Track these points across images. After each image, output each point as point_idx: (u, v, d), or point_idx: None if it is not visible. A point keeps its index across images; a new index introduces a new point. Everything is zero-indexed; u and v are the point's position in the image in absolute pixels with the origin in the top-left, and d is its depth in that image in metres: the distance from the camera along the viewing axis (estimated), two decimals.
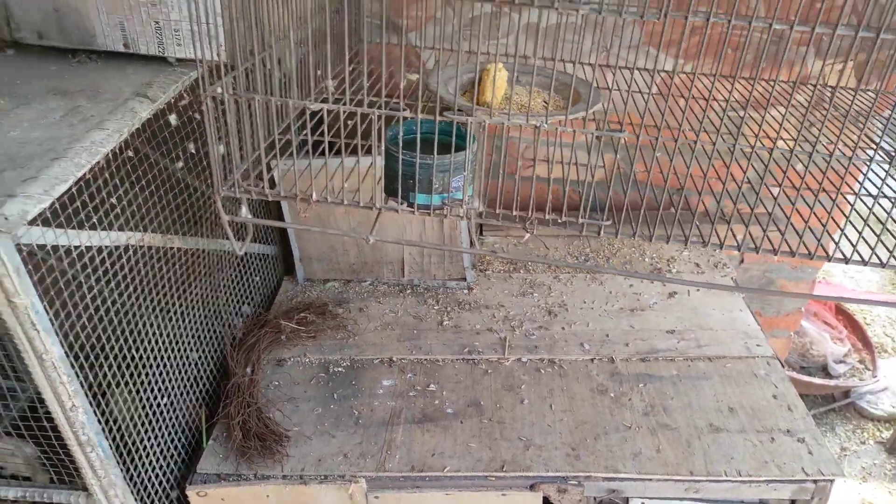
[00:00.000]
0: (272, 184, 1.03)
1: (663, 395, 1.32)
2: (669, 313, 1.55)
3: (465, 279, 1.66)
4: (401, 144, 0.88)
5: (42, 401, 0.94)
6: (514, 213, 0.89)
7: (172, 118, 1.11)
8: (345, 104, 0.87)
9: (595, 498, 1.19)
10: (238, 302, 1.54)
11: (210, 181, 1.31)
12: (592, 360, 1.43)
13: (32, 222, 0.80)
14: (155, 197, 1.11)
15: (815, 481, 1.14)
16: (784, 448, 1.20)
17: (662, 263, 1.72)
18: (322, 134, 0.95)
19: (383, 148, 0.94)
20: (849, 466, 2.50)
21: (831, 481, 1.14)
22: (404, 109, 0.84)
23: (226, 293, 1.47)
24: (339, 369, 1.43)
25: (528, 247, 1.80)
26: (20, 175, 0.84)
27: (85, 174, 0.88)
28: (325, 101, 0.93)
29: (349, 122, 1.11)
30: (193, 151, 1.20)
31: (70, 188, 0.85)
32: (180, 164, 1.17)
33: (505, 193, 1.50)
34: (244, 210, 1.04)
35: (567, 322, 1.53)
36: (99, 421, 0.99)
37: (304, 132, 1.01)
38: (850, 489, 2.41)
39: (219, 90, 0.88)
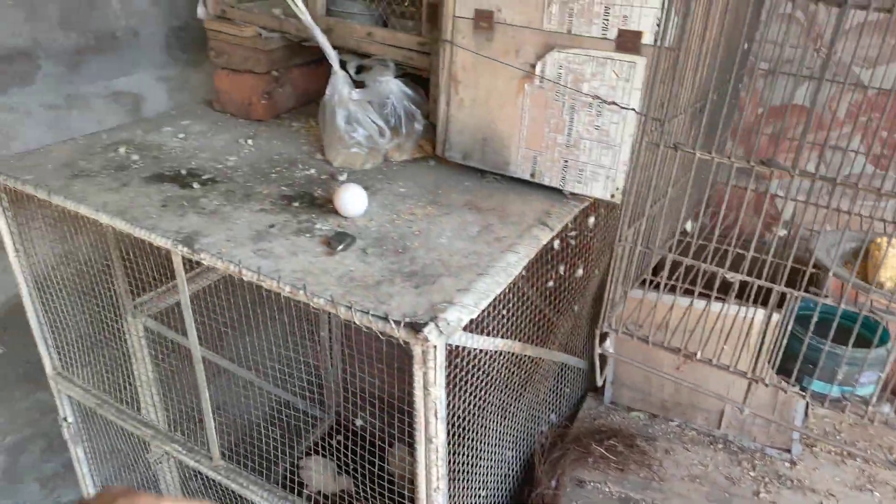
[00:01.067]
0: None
1: None
2: None
3: (789, 450, 1.51)
4: (811, 328, 0.86)
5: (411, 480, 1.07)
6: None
7: (556, 243, 1.23)
8: (757, 276, 0.88)
9: None
10: (548, 410, 1.61)
11: (562, 301, 1.41)
12: None
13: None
14: (528, 311, 1.22)
15: None
16: None
17: None
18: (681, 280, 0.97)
19: (783, 326, 0.93)
20: None
21: None
22: (825, 297, 0.82)
23: (544, 401, 1.55)
24: None
25: (867, 429, 1.59)
26: (455, 284, 0.99)
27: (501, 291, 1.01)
28: (702, 250, 0.95)
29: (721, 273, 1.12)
30: (562, 272, 1.31)
31: (490, 303, 0.98)
32: (550, 283, 1.28)
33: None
34: (609, 345, 1.09)
35: None
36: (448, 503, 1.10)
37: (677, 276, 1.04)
38: None
39: (629, 238, 0.96)
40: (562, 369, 1.61)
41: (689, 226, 1.41)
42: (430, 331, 0.89)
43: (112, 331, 1.65)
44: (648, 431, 1.61)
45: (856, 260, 1.13)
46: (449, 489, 1.11)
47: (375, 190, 1.32)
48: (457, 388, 1.04)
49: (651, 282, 1.07)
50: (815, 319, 0.84)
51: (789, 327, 0.85)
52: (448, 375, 1.00)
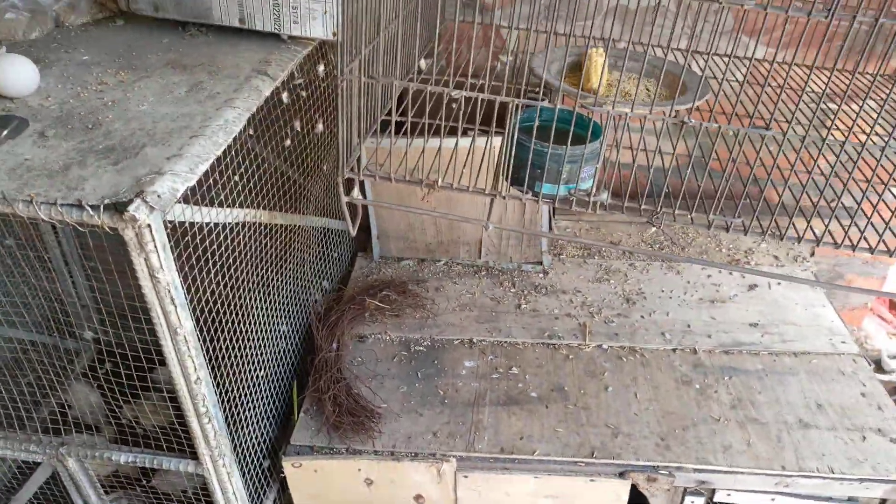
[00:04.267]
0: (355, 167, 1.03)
1: (750, 388, 1.32)
2: (751, 306, 1.54)
3: (540, 262, 1.66)
4: (534, 133, 0.87)
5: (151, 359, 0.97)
6: (641, 205, 0.89)
7: (284, 96, 1.12)
8: (460, 87, 0.87)
9: (684, 488, 1.20)
10: (319, 277, 1.56)
11: (308, 160, 1.32)
12: (674, 350, 1.43)
13: (178, 200, 0.82)
14: (267, 174, 1.12)
15: None
16: (877, 447, 1.20)
17: (740, 255, 1.70)
18: (413, 115, 0.95)
19: (508, 136, 0.94)
20: None
21: None
22: (543, 99, 0.83)
23: (310, 268, 1.49)
24: (421, 348, 1.44)
25: (601, 232, 1.79)
26: (163, 152, 0.85)
27: (220, 153, 0.88)
28: (437, 83, 0.93)
29: (452, 105, 1.11)
30: (298, 129, 1.21)
31: (209, 167, 0.86)
32: (287, 142, 1.18)
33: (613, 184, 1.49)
34: (356, 192, 1.05)
35: (646, 311, 1.53)
36: (215, 392, 1.02)
37: (416, 116, 1.01)
38: None
39: (352, 73, 0.88)
40: (325, 234, 1.56)
41: (423, 64, 1.37)
42: (136, 208, 0.76)
43: None
44: (419, 276, 1.65)
45: (572, 73, 1.19)
46: (216, 376, 1.03)
47: (50, 62, 1.08)
48: (198, 270, 0.93)
49: (396, 125, 1.02)
50: (536, 125, 0.86)
51: (514, 137, 0.86)
52: (181, 257, 0.88)
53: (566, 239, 1.69)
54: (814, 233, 0.98)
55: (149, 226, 0.78)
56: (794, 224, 0.96)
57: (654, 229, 1.77)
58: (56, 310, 1.49)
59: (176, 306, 0.86)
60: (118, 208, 0.76)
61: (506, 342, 1.45)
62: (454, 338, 1.47)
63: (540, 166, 0.89)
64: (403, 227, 1.66)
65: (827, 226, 0.97)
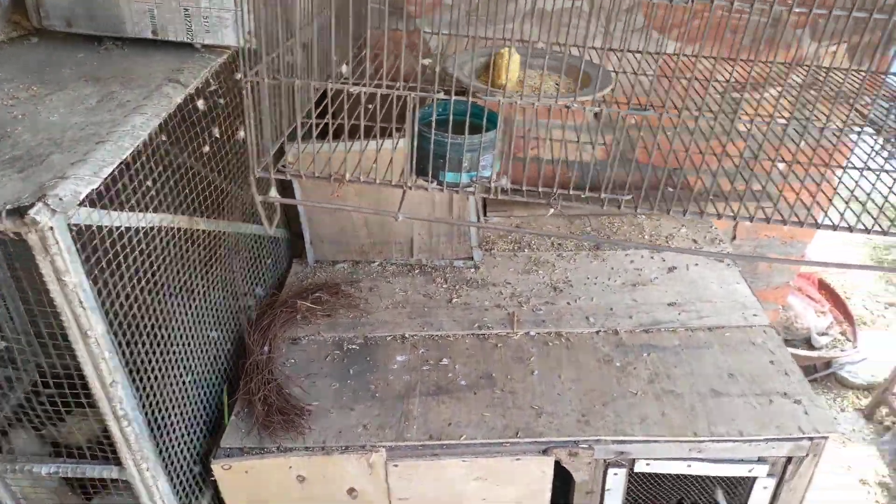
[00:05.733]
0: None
1: (667, 363, 1.39)
2: (670, 287, 1.62)
3: (472, 258, 1.71)
4: (433, 125, 0.92)
5: (81, 377, 0.98)
6: (539, 189, 0.94)
7: (200, 103, 1.14)
8: (379, 86, 0.92)
9: (604, 460, 1.26)
10: (252, 283, 1.58)
11: (231, 166, 1.34)
12: (598, 332, 1.49)
13: (82, 203, 0.84)
14: (184, 180, 1.14)
15: (810, 438, 1.22)
16: (782, 409, 1.28)
17: (661, 240, 1.79)
18: (340, 118, 0.99)
19: (411, 129, 0.99)
20: None
21: (825, 438, 1.22)
22: (438, 92, 0.88)
23: (241, 275, 1.51)
24: (354, 346, 1.48)
25: (531, 225, 1.86)
26: (68, 158, 0.87)
27: (127, 157, 0.91)
28: (357, 84, 0.97)
29: (369, 106, 1.15)
30: (217, 136, 1.24)
31: (114, 171, 0.88)
32: (206, 148, 1.21)
33: (514, 174, 1.55)
34: (273, 191, 1.08)
35: (572, 297, 1.60)
36: (135, 396, 1.03)
37: (338, 116, 1.05)
38: (830, 454, 2.52)
39: (258, 75, 0.92)
40: (256, 241, 1.58)
41: (344, 69, 1.41)
42: (38, 211, 0.78)
43: None
44: (353, 277, 1.68)
45: (487, 72, 1.24)
46: (135, 380, 1.05)
47: None
48: (109, 274, 0.95)
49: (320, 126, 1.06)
50: (434, 117, 0.91)
51: (416, 129, 0.91)
52: (90, 261, 0.90)
53: (476, 226, 1.75)
54: (731, 209, 1.04)
55: (51, 228, 0.80)
56: (713, 204, 1.03)
57: (579, 220, 1.85)
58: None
59: (85, 309, 0.88)
60: (20, 212, 0.78)
61: (437, 335, 1.50)
62: (387, 334, 1.50)
63: (442, 156, 0.94)
64: (336, 231, 1.69)
65: (741, 204, 1.03)
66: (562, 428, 1.26)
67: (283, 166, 1.02)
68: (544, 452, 1.23)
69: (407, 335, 1.50)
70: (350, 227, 1.68)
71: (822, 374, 2.80)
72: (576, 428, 1.25)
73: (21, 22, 1.24)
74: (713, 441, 1.22)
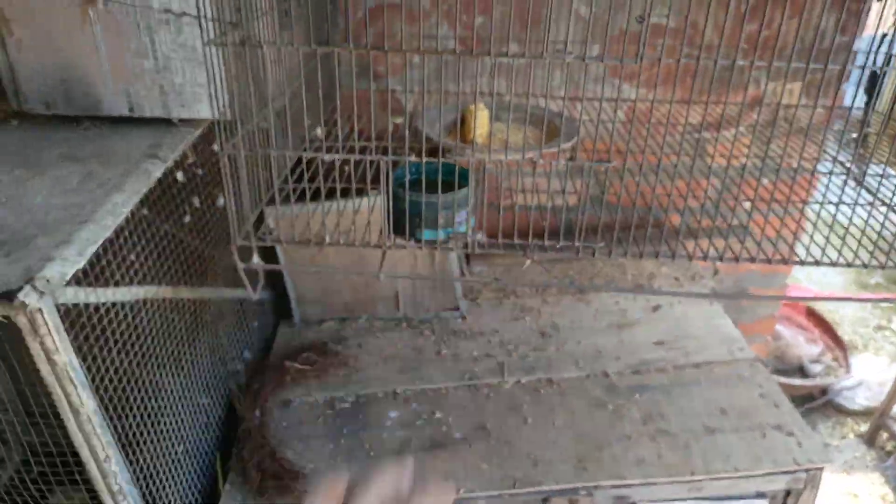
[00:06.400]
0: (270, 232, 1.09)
1: (658, 403, 1.40)
2: (655, 326, 1.63)
3: (458, 308, 1.72)
4: (407, 186, 0.95)
5: (74, 454, 0.97)
6: (515, 241, 0.97)
7: (179, 175, 1.17)
8: (352, 152, 0.95)
9: None
10: (239, 348, 1.58)
11: (212, 234, 1.36)
12: (588, 376, 1.50)
13: (68, 283, 0.85)
14: (167, 251, 1.16)
15: (806, 470, 1.22)
16: (775, 442, 1.28)
17: (643, 280, 1.81)
18: (316, 181, 1.02)
19: (387, 189, 1.02)
20: (832, 461, 2.60)
21: (821, 469, 1.23)
22: (409, 154, 0.91)
23: (228, 340, 1.51)
24: (345, 405, 1.47)
25: (514, 273, 1.88)
26: (52, 240, 0.88)
27: (110, 235, 0.93)
28: (329, 150, 1.00)
29: (345, 168, 1.19)
30: (198, 206, 1.26)
31: (97, 249, 0.90)
32: (187, 218, 1.23)
33: (490, 224, 1.58)
34: (255, 257, 1.10)
35: (560, 342, 1.61)
36: (128, 470, 1.02)
37: (312, 181, 1.08)
38: (835, 482, 2.50)
39: (234, 148, 0.95)
40: (241, 305, 1.59)
41: (318, 132, 1.45)
42: (26, 294, 0.79)
43: None
44: (340, 334, 1.69)
45: (457, 128, 1.29)
46: (128, 454, 1.04)
47: None
48: (97, 349, 0.95)
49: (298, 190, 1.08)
50: (407, 178, 0.94)
51: (391, 191, 0.94)
52: (78, 338, 0.91)
53: (458, 280, 1.77)
54: (715, 249, 1.07)
55: (40, 310, 0.81)
56: (697, 244, 1.06)
57: (562, 264, 1.87)
58: None
59: (76, 386, 0.88)
60: (9, 296, 0.79)
61: (429, 389, 1.50)
62: (377, 391, 1.50)
63: (417, 215, 0.96)
64: (320, 290, 1.70)
65: (725, 244, 1.06)
66: (559, 476, 1.25)
67: (264, 234, 1.04)
68: (544, 502, 1.22)
69: (398, 390, 1.50)
70: (334, 286, 1.69)
71: (819, 402, 2.81)
72: (573, 475, 1.25)
73: (0, 106, 1.27)
74: (711, 479, 1.22)
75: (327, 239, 0.98)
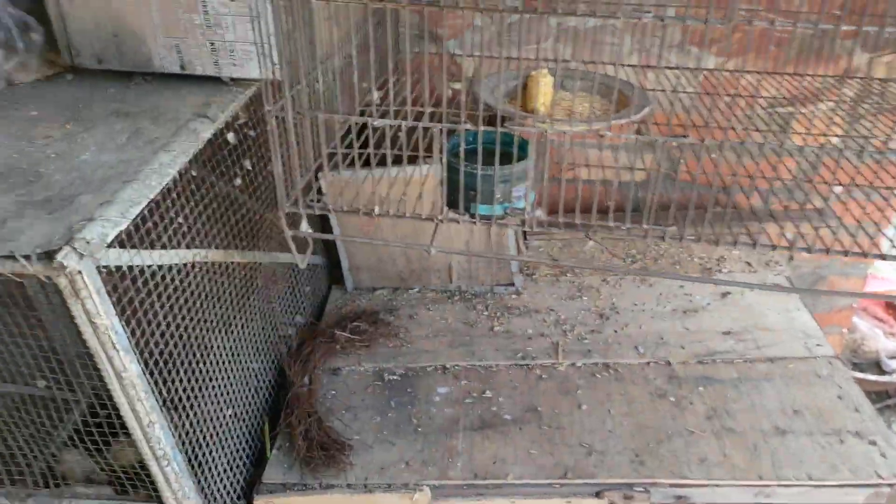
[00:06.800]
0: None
1: (725, 397, 1.30)
2: (724, 314, 1.52)
3: (513, 284, 1.65)
4: (462, 156, 0.88)
5: (119, 416, 0.97)
6: (577, 220, 0.89)
7: (230, 136, 1.13)
8: (405, 119, 0.88)
9: None
10: (291, 312, 1.56)
11: (264, 197, 1.33)
12: (648, 363, 1.41)
13: (110, 245, 0.82)
14: (217, 214, 1.13)
15: (890, 485, 1.11)
16: (854, 450, 1.17)
17: (712, 263, 1.69)
18: (369, 148, 0.96)
19: (440, 160, 0.95)
20: None
21: None
22: (465, 122, 0.84)
23: (280, 304, 1.49)
24: (394, 377, 1.44)
25: (574, 249, 1.79)
26: (96, 199, 0.86)
27: (155, 196, 0.90)
28: (384, 114, 0.94)
29: (399, 134, 1.12)
30: (249, 168, 1.22)
31: (143, 210, 0.87)
32: (238, 181, 1.19)
33: (551, 199, 1.50)
34: (304, 224, 1.05)
35: (619, 325, 1.52)
36: (173, 435, 1.01)
37: (362, 147, 1.02)
38: None
39: (282, 109, 0.90)
40: (294, 269, 1.56)
41: (375, 95, 1.39)
42: (65, 255, 0.76)
43: None
44: (392, 304, 1.65)
45: (517, 94, 1.20)
46: (173, 418, 1.03)
47: None
48: (142, 313, 0.93)
49: (344, 156, 1.03)
50: (462, 147, 0.87)
51: (444, 160, 0.87)
52: (123, 301, 0.89)
53: (514, 258, 1.69)
54: (786, 239, 0.97)
55: (80, 272, 0.78)
56: (765, 231, 0.96)
57: (624, 242, 1.77)
58: (51, 361, 1.48)
59: (118, 350, 0.87)
60: (48, 256, 0.77)
61: (479, 366, 1.44)
62: (427, 364, 1.46)
63: (473, 188, 0.89)
64: (374, 259, 1.66)
65: (797, 231, 0.96)
66: (614, 468, 1.18)
67: (313, 201, 0.99)
68: (597, 495, 1.16)
69: (448, 365, 1.45)
70: (388, 256, 1.65)
71: (895, 400, 2.62)
72: (629, 469, 1.18)
73: (56, 60, 1.26)
74: (780, 486, 1.13)
75: (376, 210, 0.93)
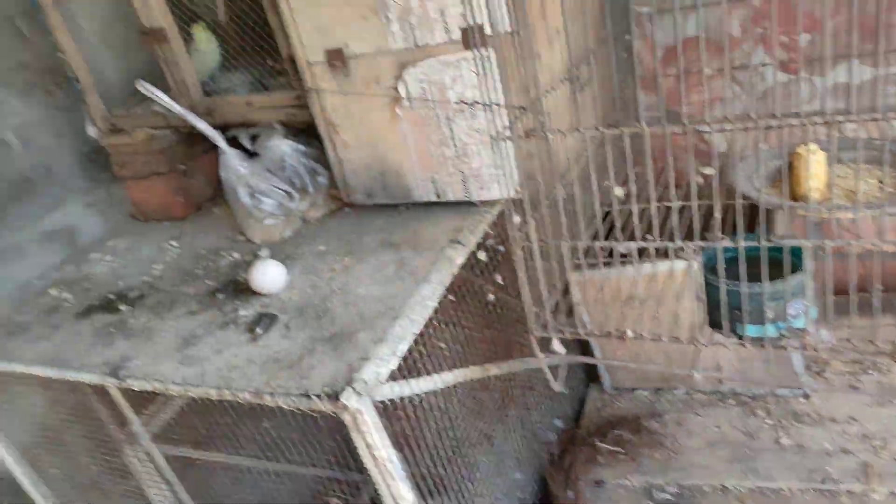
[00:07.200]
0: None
1: None
2: None
3: (799, 386, 1.43)
4: (722, 272, 0.80)
5: None
6: (879, 344, 0.74)
7: (481, 255, 1.18)
8: (653, 240, 0.83)
9: None
10: (550, 417, 1.54)
11: (516, 307, 1.35)
12: None
13: (384, 382, 0.90)
14: (473, 332, 1.17)
15: None
16: None
17: None
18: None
19: (695, 281, 0.87)
20: None
21: None
22: (722, 239, 0.76)
23: (538, 410, 1.49)
24: (667, 496, 1.32)
25: (867, 340, 1.50)
26: (370, 336, 0.95)
27: (420, 330, 0.96)
28: (627, 216, 0.90)
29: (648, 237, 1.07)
30: (500, 282, 1.26)
31: (409, 345, 0.94)
32: (491, 295, 1.23)
33: (837, 277, 1.28)
34: (556, 345, 1.04)
35: None
36: None
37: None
38: None
39: (527, 238, 0.91)
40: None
41: (618, 191, 1.36)
42: (347, 396, 0.85)
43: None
44: (655, 407, 1.53)
45: (782, 177, 1.07)
46: None
47: (297, 256, 1.29)
48: (415, 440, 0.99)
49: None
50: (721, 258, 0.78)
51: (700, 279, 0.79)
52: (397, 430, 0.96)
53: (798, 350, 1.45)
54: None
55: (360, 411, 0.86)
56: None
57: None
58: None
59: (395, 479, 0.93)
60: (334, 396, 0.86)
61: (767, 488, 1.26)
62: (703, 483, 1.31)
63: (737, 306, 0.80)
64: (630, 356, 1.58)
65: None
66: None
67: (563, 325, 0.98)
68: None
69: (728, 485, 1.29)
70: (646, 352, 1.55)
71: None
72: None
73: (337, 195, 1.45)
74: None
75: (629, 333, 0.87)
